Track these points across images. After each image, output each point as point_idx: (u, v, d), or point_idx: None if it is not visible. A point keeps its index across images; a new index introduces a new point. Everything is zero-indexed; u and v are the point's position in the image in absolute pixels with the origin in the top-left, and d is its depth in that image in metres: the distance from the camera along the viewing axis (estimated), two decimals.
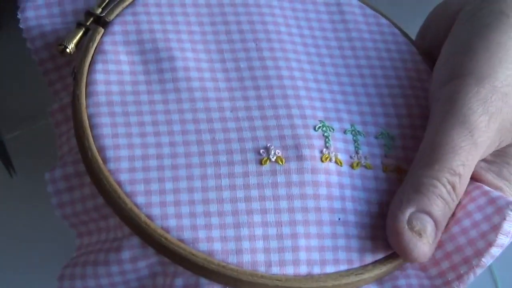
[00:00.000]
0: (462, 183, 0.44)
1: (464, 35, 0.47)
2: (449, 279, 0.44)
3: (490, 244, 0.43)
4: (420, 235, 0.43)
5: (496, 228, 0.43)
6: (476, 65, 0.45)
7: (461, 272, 0.44)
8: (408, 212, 0.43)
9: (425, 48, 0.51)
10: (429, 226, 0.43)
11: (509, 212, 0.44)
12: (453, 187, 0.44)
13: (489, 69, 0.45)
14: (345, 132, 0.47)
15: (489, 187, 0.46)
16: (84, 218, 0.45)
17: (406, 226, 0.43)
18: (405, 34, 0.52)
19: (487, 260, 0.43)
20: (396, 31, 0.52)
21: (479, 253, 0.43)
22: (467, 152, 0.44)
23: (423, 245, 0.43)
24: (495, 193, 0.45)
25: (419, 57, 0.51)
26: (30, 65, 0.53)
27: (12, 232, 0.56)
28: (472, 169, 0.45)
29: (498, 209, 0.44)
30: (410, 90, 0.49)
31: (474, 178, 0.46)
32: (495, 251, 0.43)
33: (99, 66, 0.46)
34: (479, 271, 0.43)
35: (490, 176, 0.46)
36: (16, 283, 0.56)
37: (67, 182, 0.45)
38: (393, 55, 0.51)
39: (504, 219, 0.43)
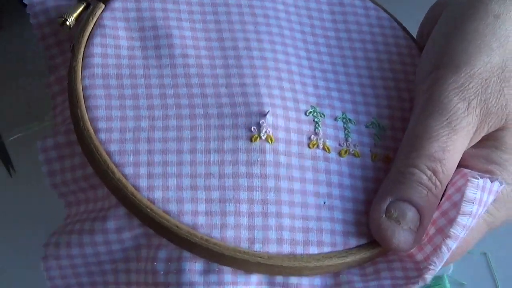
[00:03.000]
0: (446, 169, 0.44)
1: (442, 27, 0.48)
2: (431, 258, 0.44)
3: (452, 220, 0.43)
4: (398, 222, 0.43)
5: (461, 197, 0.43)
6: (453, 55, 0.46)
7: (438, 248, 0.43)
8: (386, 201, 0.44)
9: (423, 46, 0.51)
10: (409, 213, 0.43)
11: (471, 179, 0.43)
12: (434, 172, 0.44)
13: (465, 57, 0.46)
14: (336, 119, 0.47)
15: (479, 172, 0.45)
16: (73, 187, 0.46)
17: (384, 215, 0.43)
18: (405, 29, 0.52)
19: (456, 230, 0.43)
20: (396, 25, 0.52)
21: (449, 223, 0.43)
22: (446, 138, 0.44)
23: (403, 232, 0.43)
24: (473, 173, 0.45)
25: (416, 52, 0.51)
26: (31, 65, 0.53)
27: (12, 232, 0.56)
28: (457, 156, 0.45)
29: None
30: (405, 83, 0.50)
31: (464, 166, 0.46)
32: (462, 219, 0.43)
33: (97, 40, 0.47)
34: (450, 243, 0.43)
35: (478, 162, 0.46)
36: (16, 283, 0.56)
37: (58, 151, 0.46)
38: (390, 49, 0.51)
39: (466, 186, 0.43)
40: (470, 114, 0.45)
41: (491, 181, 0.44)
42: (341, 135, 0.47)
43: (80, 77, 0.45)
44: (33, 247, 0.51)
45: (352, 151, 0.47)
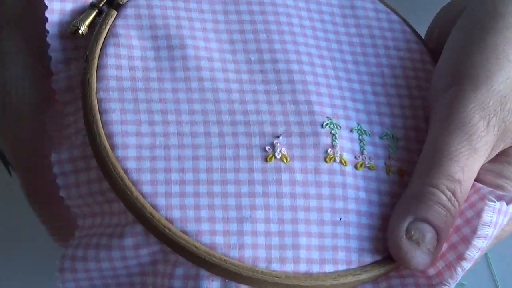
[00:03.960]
0: (463, 189, 0.44)
1: (460, 39, 0.47)
2: (445, 277, 0.44)
3: (466, 237, 0.43)
4: (418, 244, 0.43)
5: (477, 219, 0.43)
6: (472, 70, 0.45)
7: (452, 267, 0.44)
8: (407, 221, 0.43)
9: (432, 49, 0.51)
10: (429, 234, 0.43)
11: (489, 203, 0.43)
12: (453, 193, 0.44)
13: (485, 73, 0.45)
14: (351, 130, 0.47)
15: (490, 187, 0.46)
16: (88, 200, 0.45)
17: (404, 236, 0.43)
18: (416, 33, 0.52)
19: (472, 253, 0.43)
20: (407, 28, 0.51)
21: (460, 250, 0.43)
22: (466, 157, 0.44)
23: (422, 254, 0.43)
24: (487, 189, 0.45)
25: (428, 57, 0.50)
26: None
27: (11, 232, 0.56)
28: (474, 175, 0.45)
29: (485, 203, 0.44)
30: (417, 90, 0.49)
31: (475, 179, 0.46)
32: (478, 242, 0.43)
33: (110, 50, 0.46)
34: (465, 264, 0.43)
35: (491, 176, 0.46)
36: (16, 283, 0.56)
37: (74, 164, 0.45)
38: (402, 54, 0.50)
39: (483, 209, 0.43)
40: (490, 132, 0.45)
41: (508, 203, 0.44)
42: (357, 147, 0.46)
43: (95, 89, 0.45)
44: (33, 247, 0.51)
45: (368, 164, 0.46)
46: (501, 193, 0.45)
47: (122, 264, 0.44)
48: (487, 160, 0.46)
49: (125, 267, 0.44)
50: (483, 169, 0.46)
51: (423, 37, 0.52)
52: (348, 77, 0.49)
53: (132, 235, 0.43)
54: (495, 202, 0.43)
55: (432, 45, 0.51)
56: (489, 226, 0.43)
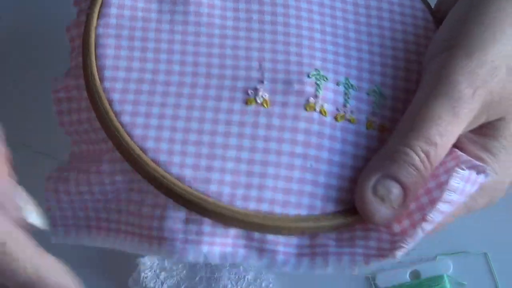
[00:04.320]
0: (439, 153, 0.45)
1: (463, 7, 0.48)
2: (407, 232, 0.44)
3: (435, 200, 0.44)
4: (383, 200, 0.44)
5: (443, 184, 0.44)
6: (468, 38, 0.46)
7: (414, 222, 0.44)
8: (376, 176, 0.44)
9: (440, 19, 0.51)
10: (395, 191, 0.44)
11: (457, 169, 0.44)
12: (427, 156, 0.44)
13: (481, 42, 0.46)
14: (338, 83, 0.48)
15: (471, 157, 0.46)
16: (78, 128, 0.48)
17: (370, 190, 0.44)
18: (424, 0, 0.52)
19: (434, 216, 0.44)
20: None
21: (430, 204, 0.44)
22: (447, 122, 0.44)
23: (385, 210, 0.44)
24: (465, 157, 0.45)
25: (432, 26, 0.51)
26: (31, 67, 0.53)
27: None
28: (452, 141, 0.45)
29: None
30: (415, 55, 0.50)
31: (459, 147, 0.46)
32: (442, 206, 0.44)
33: (112, 10, 0.48)
34: (427, 226, 0.44)
35: (474, 148, 0.47)
36: None
37: (68, 92, 0.48)
38: (406, 20, 0.51)
39: (452, 175, 0.44)
40: (475, 101, 0.45)
41: (478, 173, 0.44)
42: (340, 100, 0.48)
43: (94, 24, 0.48)
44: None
45: (349, 116, 0.47)
46: (478, 163, 0.45)
47: (100, 189, 0.46)
48: (468, 129, 0.46)
49: (102, 192, 0.46)
50: (468, 138, 0.47)
51: (432, 6, 0.53)
52: (347, 35, 0.50)
53: (109, 162, 0.46)
54: (464, 170, 0.44)
55: (440, 15, 0.52)
56: (455, 192, 0.44)
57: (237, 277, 0.53)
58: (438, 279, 0.55)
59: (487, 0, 0.47)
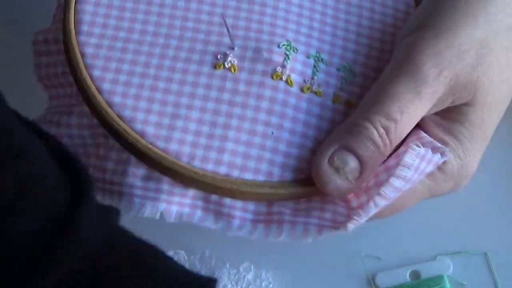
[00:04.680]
0: (399, 130, 0.45)
1: None
2: (362, 207, 0.45)
3: (389, 175, 0.44)
4: (338, 171, 0.45)
5: (398, 160, 0.45)
6: (439, 19, 0.46)
7: (364, 200, 0.45)
8: (334, 147, 0.45)
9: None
10: (351, 164, 0.45)
11: (413, 146, 0.44)
12: (387, 131, 0.45)
13: (451, 25, 0.46)
14: (308, 56, 0.49)
15: (435, 139, 0.46)
16: (54, 82, 0.50)
17: (326, 160, 0.45)
18: None
19: (387, 190, 0.44)
20: None
21: (380, 184, 0.45)
22: (408, 100, 0.45)
23: (339, 181, 0.45)
24: (428, 138, 0.46)
25: (413, 9, 0.52)
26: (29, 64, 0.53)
27: None
28: (413, 119, 0.46)
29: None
30: (391, 37, 0.51)
31: (424, 129, 0.47)
32: (395, 181, 0.44)
33: None
34: (379, 200, 0.44)
35: (438, 131, 0.47)
36: None
37: (47, 46, 0.50)
38: (387, 2, 0.52)
39: (406, 151, 0.44)
40: (440, 82, 0.45)
41: (436, 152, 0.45)
42: (309, 72, 0.49)
43: None
44: None
45: (315, 89, 0.48)
46: (439, 145, 0.45)
47: (69, 142, 0.48)
48: (435, 110, 0.47)
49: (72, 145, 0.48)
50: (433, 121, 0.47)
51: None
52: (324, 11, 0.51)
53: (78, 115, 0.47)
54: (420, 147, 0.44)
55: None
56: (409, 168, 0.44)
57: (237, 277, 0.53)
58: (438, 279, 0.55)
59: None
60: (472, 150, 0.48)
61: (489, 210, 0.56)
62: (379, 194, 0.44)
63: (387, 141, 0.45)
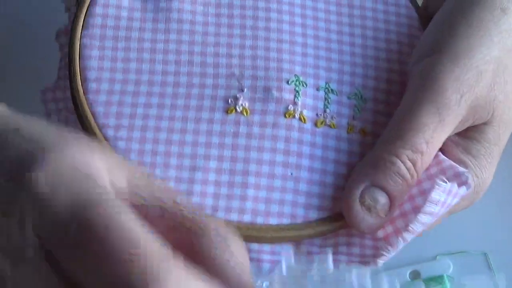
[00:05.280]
0: (424, 161, 0.45)
1: (449, 9, 0.48)
2: (390, 241, 0.45)
3: (417, 207, 0.44)
4: (369, 210, 0.44)
5: (426, 192, 0.44)
6: (454, 42, 0.46)
7: (398, 234, 0.45)
8: (362, 185, 0.44)
9: (427, 18, 0.51)
10: (382, 201, 0.44)
11: (439, 182, 0.44)
12: (414, 164, 0.44)
13: (467, 47, 0.45)
14: (318, 88, 0.48)
15: (454, 160, 0.46)
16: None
17: (358, 200, 0.44)
18: None
19: (415, 227, 0.44)
20: None
21: (409, 220, 0.44)
22: (433, 130, 0.45)
23: (371, 219, 0.44)
24: (448, 162, 0.46)
25: (416, 23, 0.51)
26: (31, 64, 0.53)
27: None
28: (438, 146, 0.45)
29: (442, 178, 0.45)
30: (397, 55, 0.50)
31: (442, 149, 0.46)
32: (423, 218, 0.44)
33: (96, 20, 0.49)
34: (408, 236, 0.44)
35: (456, 150, 0.47)
36: None
37: (56, 104, 0.49)
38: (390, 18, 0.51)
39: (433, 187, 0.44)
40: (461, 107, 0.45)
41: (460, 185, 0.45)
42: (320, 105, 0.48)
43: (79, 36, 0.48)
44: None
45: (329, 122, 0.48)
46: (459, 170, 0.45)
47: None
48: (456, 131, 0.46)
49: None
50: (451, 140, 0.47)
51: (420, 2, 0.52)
52: (328, 36, 0.50)
53: None
54: (446, 183, 0.44)
55: (428, 13, 0.51)
56: (436, 204, 0.44)
57: None
58: (438, 279, 0.55)
59: (473, 3, 0.47)
60: (488, 166, 0.48)
61: (489, 210, 0.56)
62: (407, 230, 0.44)
63: (415, 173, 0.45)
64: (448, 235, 0.56)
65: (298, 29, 0.50)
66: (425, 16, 0.51)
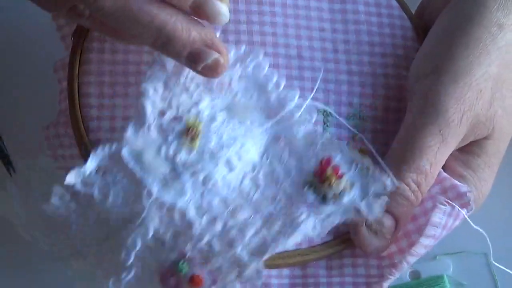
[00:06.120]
0: (428, 181, 0.45)
1: (446, 26, 0.48)
2: (395, 261, 0.45)
3: (421, 227, 0.45)
4: (376, 233, 0.45)
5: (428, 211, 0.45)
6: (453, 63, 0.46)
7: (402, 253, 0.45)
8: None
9: (422, 27, 0.51)
10: (387, 223, 0.45)
11: (439, 206, 0.44)
12: (419, 186, 0.45)
13: (466, 66, 0.45)
14: (316, 112, 0.48)
15: (454, 175, 0.46)
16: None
17: (364, 225, 0.45)
18: (404, 6, 0.51)
19: (418, 250, 0.45)
20: (394, 3, 0.51)
21: (413, 239, 0.45)
22: (436, 150, 0.45)
23: (378, 242, 0.45)
24: (449, 181, 0.46)
25: (412, 33, 0.51)
26: (30, 67, 0.53)
27: (11, 232, 0.56)
28: (441, 165, 0.46)
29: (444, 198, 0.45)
30: (392, 69, 0.50)
31: (443, 165, 0.46)
32: (425, 241, 0.44)
33: (95, 44, 0.48)
34: (411, 259, 0.45)
35: (457, 165, 0.47)
36: (15, 281, 0.56)
37: (59, 139, 0.48)
38: (384, 31, 0.51)
39: (434, 210, 0.44)
40: (462, 125, 0.45)
41: (461, 207, 0.45)
42: (319, 130, 0.48)
43: (77, 73, 0.47)
44: (32, 247, 0.51)
45: None
46: (461, 190, 0.46)
47: None
48: (456, 148, 0.47)
49: None
50: (453, 156, 0.47)
51: (415, 8, 0.52)
52: (324, 56, 0.49)
53: None
54: (446, 205, 0.45)
55: (422, 23, 0.51)
56: (437, 227, 0.44)
57: None
58: (438, 279, 0.55)
59: (471, 21, 0.47)
60: (487, 178, 0.48)
61: (489, 210, 0.56)
62: (410, 254, 0.45)
63: (419, 195, 0.45)
64: (448, 235, 0.55)
65: (293, 52, 0.49)
66: (420, 27, 0.51)
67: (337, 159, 0.44)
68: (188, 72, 0.44)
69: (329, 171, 0.43)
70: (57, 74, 0.50)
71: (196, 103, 0.44)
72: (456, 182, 0.46)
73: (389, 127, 0.48)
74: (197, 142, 0.43)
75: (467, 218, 0.46)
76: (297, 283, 0.46)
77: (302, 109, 0.46)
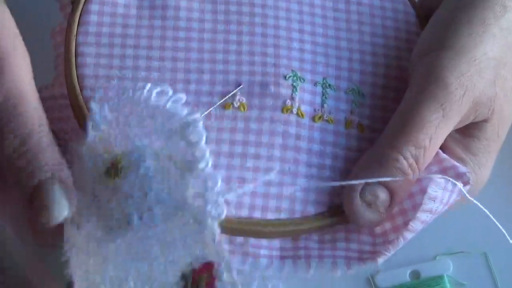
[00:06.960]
0: (427, 156, 0.45)
1: (451, 6, 0.48)
2: (389, 239, 0.45)
3: (417, 205, 0.44)
4: (369, 205, 0.44)
5: (426, 190, 0.44)
6: (457, 39, 0.46)
7: (397, 231, 0.45)
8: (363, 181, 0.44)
9: (425, 12, 0.51)
10: (382, 196, 0.44)
11: (436, 179, 0.44)
12: (416, 160, 0.44)
13: (469, 44, 0.46)
14: (315, 84, 0.48)
15: (453, 158, 0.46)
16: (64, 136, 0.49)
17: (358, 196, 0.44)
18: None
19: (415, 225, 0.44)
20: None
21: (409, 217, 0.44)
22: (436, 125, 0.45)
23: (371, 214, 0.44)
24: (449, 162, 0.46)
25: (414, 18, 0.51)
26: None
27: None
28: (440, 142, 0.45)
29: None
30: (394, 51, 0.50)
31: (443, 147, 0.46)
32: (422, 215, 0.44)
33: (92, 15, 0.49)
34: (408, 235, 0.44)
35: (458, 148, 0.47)
36: (15, 282, 0.56)
37: (55, 101, 0.49)
38: (386, 14, 0.51)
39: (429, 183, 0.44)
40: (463, 103, 0.45)
41: (459, 180, 0.45)
42: (318, 100, 0.48)
43: (75, 33, 0.48)
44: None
45: (327, 117, 0.48)
46: (461, 170, 0.45)
47: None
48: (457, 127, 0.47)
49: None
50: (451, 138, 0.47)
51: None
52: (326, 32, 0.50)
53: None
54: (442, 179, 0.44)
55: (425, 8, 0.52)
56: (434, 200, 0.44)
57: None
58: (438, 279, 0.55)
59: (475, 0, 0.47)
60: (486, 163, 0.48)
61: (489, 210, 0.56)
62: (407, 229, 0.44)
63: (416, 169, 0.45)
64: (448, 235, 0.56)
65: (295, 25, 0.50)
66: (424, 10, 0.51)
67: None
68: None
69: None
70: (53, 40, 0.51)
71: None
72: (456, 162, 0.46)
73: (388, 105, 0.48)
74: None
75: (465, 192, 0.45)
76: (288, 255, 0.46)
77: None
